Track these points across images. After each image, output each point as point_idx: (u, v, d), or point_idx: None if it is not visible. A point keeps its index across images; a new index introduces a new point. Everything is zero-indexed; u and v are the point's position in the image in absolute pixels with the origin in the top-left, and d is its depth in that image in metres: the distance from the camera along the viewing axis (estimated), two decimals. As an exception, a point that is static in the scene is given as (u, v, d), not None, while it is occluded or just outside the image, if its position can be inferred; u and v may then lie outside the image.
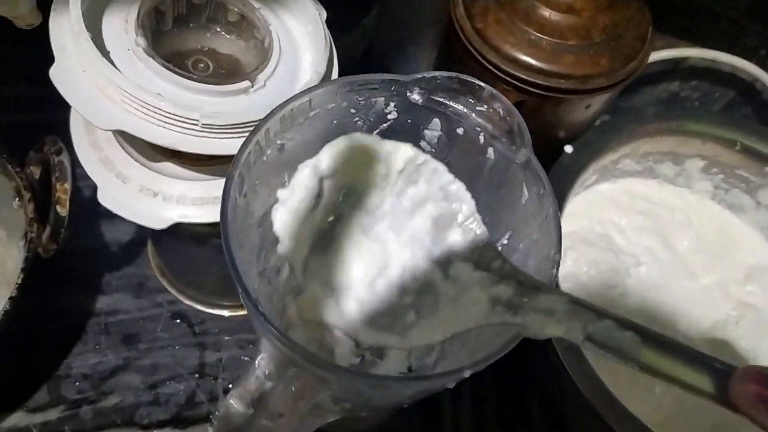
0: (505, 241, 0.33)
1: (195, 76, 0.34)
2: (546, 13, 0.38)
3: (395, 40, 0.55)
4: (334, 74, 0.39)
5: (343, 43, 0.41)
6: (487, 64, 0.39)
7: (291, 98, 0.29)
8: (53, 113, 0.38)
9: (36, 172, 0.44)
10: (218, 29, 0.39)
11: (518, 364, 0.46)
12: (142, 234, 0.54)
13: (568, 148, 0.43)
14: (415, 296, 0.32)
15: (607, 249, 0.48)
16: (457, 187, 0.32)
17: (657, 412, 0.41)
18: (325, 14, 0.40)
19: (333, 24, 0.40)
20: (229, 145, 0.33)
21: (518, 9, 0.39)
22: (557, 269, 0.27)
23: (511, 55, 0.38)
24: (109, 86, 0.31)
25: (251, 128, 0.32)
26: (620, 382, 0.39)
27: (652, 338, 0.22)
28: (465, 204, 0.32)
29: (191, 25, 0.38)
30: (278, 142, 0.30)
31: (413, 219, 0.33)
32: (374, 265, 0.33)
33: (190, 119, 0.32)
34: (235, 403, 0.26)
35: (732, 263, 0.49)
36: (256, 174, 0.29)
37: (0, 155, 0.44)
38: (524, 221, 0.31)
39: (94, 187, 0.37)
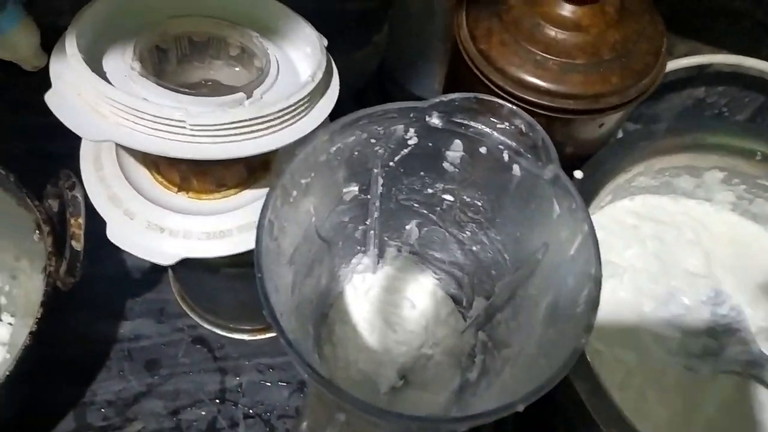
0: (540, 257, 0.32)
1: (187, 90, 0.33)
2: (551, 32, 0.37)
3: (406, 56, 0.55)
4: (334, 83, 0.38)
5: (356, 59, 0.40)
6: (492, 87, 0.38)
7: (310, 138, 0.29)
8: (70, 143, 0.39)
9: (54, 205, 0.45)
10: (221, 64, 0.39)
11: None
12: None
13: (578, 174, 0.40)
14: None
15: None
16: None
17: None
18: (325, 40, 0.39)
19: (345, 41, 0.39)
20: (222, 150, 0.32)
21: (522, 29, 0.37)
22: (599, 287, 0.26)
23: (516, 76, 0.37)
24: (100, 101, 0.31)
25: (246, 131, 0.31)
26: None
27: None
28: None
29: (195, 63, 0.38)
30: (302, 181, 0.30)
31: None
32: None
33: (176, 120, 0.30)
34: None
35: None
36: (284, 216, 0.29)
37: (20, 189, 0.45)
38: (558, 237, 0.30)
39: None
